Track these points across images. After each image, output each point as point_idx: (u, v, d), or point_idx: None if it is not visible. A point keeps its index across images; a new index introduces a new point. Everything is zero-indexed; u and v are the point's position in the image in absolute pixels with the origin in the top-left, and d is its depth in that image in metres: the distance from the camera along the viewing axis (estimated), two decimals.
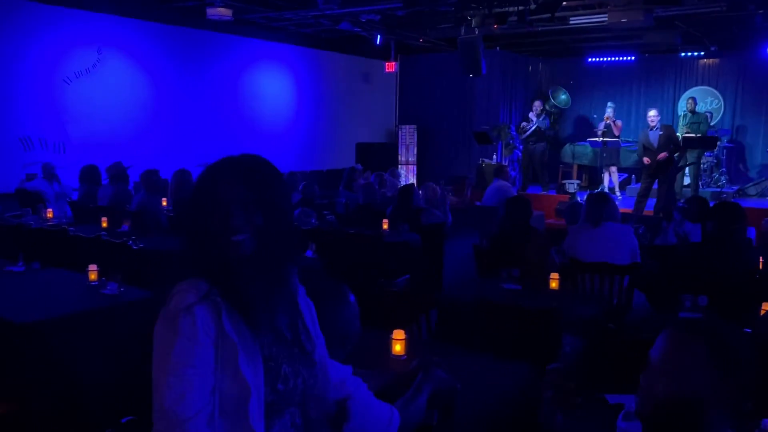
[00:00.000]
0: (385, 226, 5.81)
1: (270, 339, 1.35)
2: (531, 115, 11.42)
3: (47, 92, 8.76)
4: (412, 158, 13.41)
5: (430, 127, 13.50)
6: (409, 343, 2.59)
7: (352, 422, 1.58)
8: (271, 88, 11.77)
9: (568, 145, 12.48)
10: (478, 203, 8.44)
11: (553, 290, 3.68)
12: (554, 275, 3.72)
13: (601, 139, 10.87)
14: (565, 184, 11.62)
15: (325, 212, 7.06)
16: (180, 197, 6.83)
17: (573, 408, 1.52)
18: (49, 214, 6.38)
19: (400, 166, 13.13)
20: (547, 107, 12.26)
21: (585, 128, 12.94)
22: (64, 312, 3.20)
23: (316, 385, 1.44)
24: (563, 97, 12.91)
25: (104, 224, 5.78)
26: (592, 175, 11.98)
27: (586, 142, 11.83)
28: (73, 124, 8.98)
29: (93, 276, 3.61)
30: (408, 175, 13.11)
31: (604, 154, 10.87)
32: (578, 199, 10.32)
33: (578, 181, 11.67)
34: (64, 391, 2.95)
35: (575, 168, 12.05)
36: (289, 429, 1.36)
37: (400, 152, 13.50)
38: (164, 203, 6.95)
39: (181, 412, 1.20)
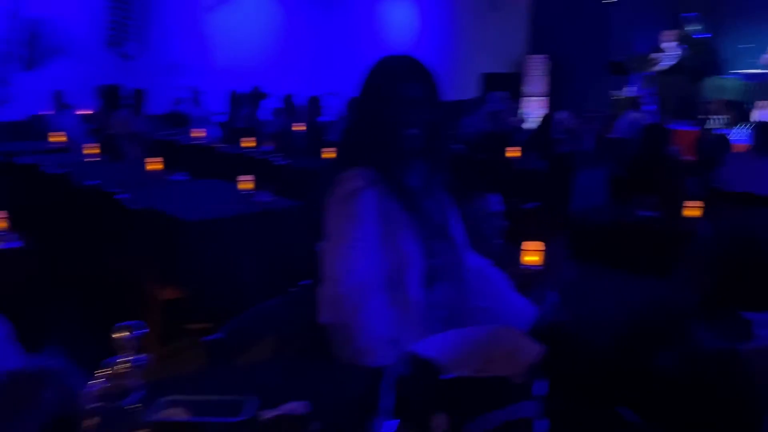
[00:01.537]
0: (514, 154, 5.82)
1: (423, 220, 1.53)
2: (664, 45, 10.60)
3: (192, 20, 9.32)
4: (541, 89, 13.01)
5: (562, 57, 12.96)
6: (543, 254, 2.68)
7: (487, 300, 1.73)
8: (397, 16, 11.77)
9: (714, 78, 11.55)
10: (609, 135, 8.16)
11: (691, 218, 3.59)
12: (694, 203, 3.62)
13: (752, 71, 9.97)
14: (708, 119, 10.84)
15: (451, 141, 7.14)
16: (314, 121, 7.21)
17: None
18: (198, 133, 6.92)
19: (527, 97, 12.81)
20: (682, 35, 11.30)
21: (732, 59, 11.87)
22: (223, 214, 3.57)
23: (460, 265, 1.62)
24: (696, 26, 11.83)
25: (249, 144, 6.21)
26: (739, 110, 11.06)
27: (734, 74, 10.90)
28: (216, 50, 9.52)
29: (246, 185, 3.95)
30: (536, 107, 12.78)
31: (756, 89, 9.99)
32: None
33: (724, 117, 10.84)
34: (223, 280, 3.33)
35: (720, 103, 11.17)
36: (450, 292, 1.54)
37: (528, 83, 13.13)
38: (298, 127, 7.30)
39: (352, 276, 1.39)
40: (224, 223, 3.50)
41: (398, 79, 1.47)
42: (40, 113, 7.22)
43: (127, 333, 1.08)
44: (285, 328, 1.58)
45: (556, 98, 12.81)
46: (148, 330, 1.09)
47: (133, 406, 0.88)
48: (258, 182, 3.94)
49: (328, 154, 5.13)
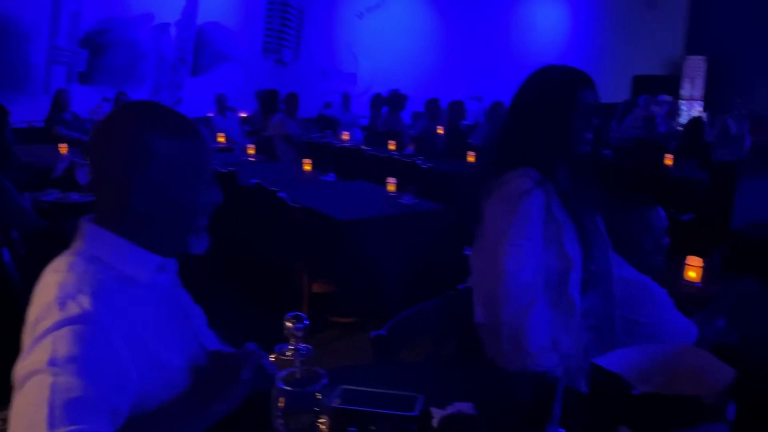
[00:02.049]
0: (668, 162, 5.50)
1: (583, 225, 1.53)
2: None
3: (342, 27, 9.70)
4: (697, 92, 12.15)
5: (723, 58, 12.01)
6: (704, 271, 2.52)
7: (648, 316, 1.66)
8: (544, 18, 11.49)
9: None
10: None
11: None
12: None
13: None
14: None
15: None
16: (455, 124, 7.23)
17: None
18: (345, 136, 7.20)
19: (683, 100, 12.03)
20: None
21: None
22: (370, 215, 3.71)
23: (611, 274, 1.59)
24: None
25: (391, 147, 6.37)
26: None
27: None
28: (363, 56, 9.84)
29: (392, 187, 4.08)
30: (692, 111, 11.97)
31: None
32: None
33: None
34: (368, 277, 3.46)
35: None
36: (599, 301, 1.53)
37: (683, 86, 12.31)
38: (440, 131, 7.35)
39: (520, 275, 1.41)
40: (372, 222, 3.64)
41: (579, 86, 1.51)
42: (204, 115, 7.87)
43: (298, 323, 1.18)
44: (441, 329, 1.63)
45: (715, 102, 11.90)
46: (308, 322, 1.17)
47: (319, 392, 0.96)
48: (400, 184, 4.06)
49: (473, 157, 5.14)
